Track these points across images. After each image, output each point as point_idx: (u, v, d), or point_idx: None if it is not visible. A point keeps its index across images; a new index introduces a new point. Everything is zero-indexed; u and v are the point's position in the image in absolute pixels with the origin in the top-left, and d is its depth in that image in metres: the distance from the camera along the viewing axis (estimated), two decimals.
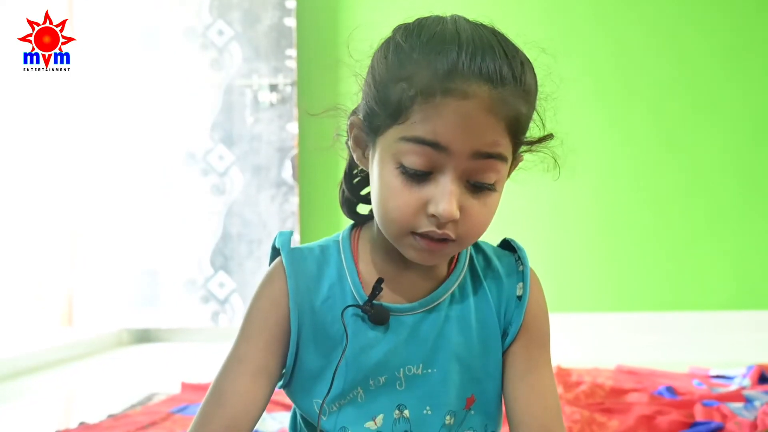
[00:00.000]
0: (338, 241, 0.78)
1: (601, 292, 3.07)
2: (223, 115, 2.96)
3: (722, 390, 1.67)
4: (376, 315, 0.73)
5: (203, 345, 2.85)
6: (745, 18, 3.04)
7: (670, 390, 1.66)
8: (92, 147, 2.97)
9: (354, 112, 0.76)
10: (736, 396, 1.56)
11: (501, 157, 0.67)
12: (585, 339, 2.79)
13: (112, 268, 2.95)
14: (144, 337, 3.02)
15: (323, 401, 0.74)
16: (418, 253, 0.70)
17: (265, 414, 1.53)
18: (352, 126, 0.74)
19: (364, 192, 0.81)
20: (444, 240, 0.69)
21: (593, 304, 3.05)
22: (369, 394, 0.75)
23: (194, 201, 2.96)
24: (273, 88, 2.94)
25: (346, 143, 0.77)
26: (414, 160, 0.66)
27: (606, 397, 1.64)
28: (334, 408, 0.75)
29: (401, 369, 0.74)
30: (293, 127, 2.94)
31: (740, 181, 3.03)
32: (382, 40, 0.73)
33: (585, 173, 2.96)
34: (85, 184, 2.96)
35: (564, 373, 1.86)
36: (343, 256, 0.77)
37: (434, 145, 0.65)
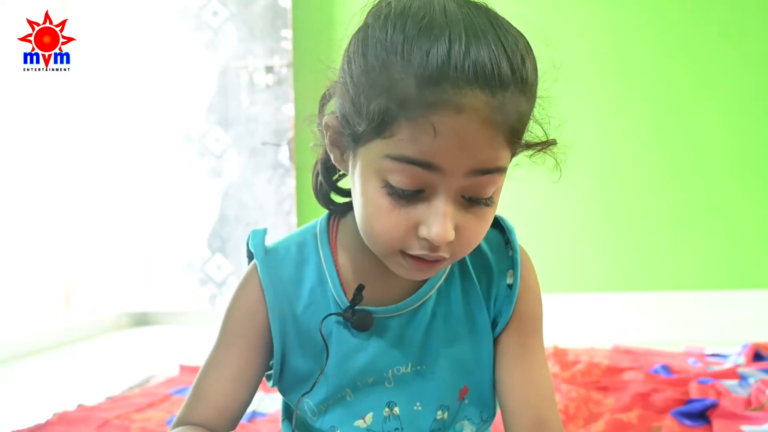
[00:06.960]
0: (316, 235, 0.74)
1: (598, 272, 3.08)
2: (219, 97, 2.95)
3: (717, 368, 1.68)
4: (358, 321, 0.70)
5: (201, 327, 2.85)
6: None
7: (666, 368, 1.67)
8: (88, 131, 2.95)
9: (322, 108, 0.68)
10: (730, 374, 1.57)
11: (500, 170, 0.61)
12: (582, 319, 2.80)
13: (111, 252, 2.95)
14: (142, 320, 3.03)
15: (299, 400, 0.73)
16: (406, 271, 0.65)
17: (263, 395, 1.54)
18: (327, 126, 0.66)
19: (341, 184, 0.75)
20: (436, 259, 0.64)
21: (590, 285, 3.06)
22: (357, 394, 0.73)
23: (191, 184, 2.95)
24: (269, 69, 2.92)
25: (319, 129, 0.69)
26: (402, 179, 0.59)
27: (602, 376, 1.65)
28: (323, 408, 0.74)
29: (389, 370, 0.73)
30: (289, 109, 2.92)
31: (737, 161, 3.03)
32: (359, 25, 0.63)
33: (582, 152, 2.95)
34: (82, 168, 2.95)
35: (561, 353, 1.86)
36: (321, 254, 0.73)
37: (426, 165, 0.58)
